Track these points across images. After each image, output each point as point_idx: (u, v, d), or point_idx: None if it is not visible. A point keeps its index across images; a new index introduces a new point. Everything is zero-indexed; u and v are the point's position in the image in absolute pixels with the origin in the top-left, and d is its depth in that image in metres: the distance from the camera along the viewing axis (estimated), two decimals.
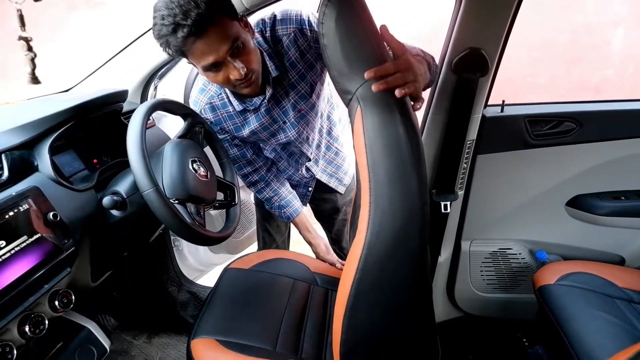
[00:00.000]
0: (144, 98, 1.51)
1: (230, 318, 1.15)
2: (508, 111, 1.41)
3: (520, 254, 1.56)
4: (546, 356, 1.33)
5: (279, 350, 1.07)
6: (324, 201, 1.61)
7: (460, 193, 1.44)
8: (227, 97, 1.19)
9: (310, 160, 1.43)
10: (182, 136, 1.16)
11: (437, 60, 1.11)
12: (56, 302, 0.91)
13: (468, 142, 1.34)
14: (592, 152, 1.42)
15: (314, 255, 1.51)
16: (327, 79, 1.25)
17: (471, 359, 1.63)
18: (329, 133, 1.43)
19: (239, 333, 1.09)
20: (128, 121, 0.96)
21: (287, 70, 1.14)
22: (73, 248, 0.92)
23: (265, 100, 1.17)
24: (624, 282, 1.28)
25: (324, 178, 1.50)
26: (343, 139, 1.49)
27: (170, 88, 1.67)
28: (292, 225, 1.62)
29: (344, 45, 0.73)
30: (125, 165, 1.17)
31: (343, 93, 0.78)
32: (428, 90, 1.23)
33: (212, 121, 1.23)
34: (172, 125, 1.54)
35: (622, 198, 1.47)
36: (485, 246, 1.57)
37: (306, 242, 1.51)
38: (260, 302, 1.22)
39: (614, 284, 1.28)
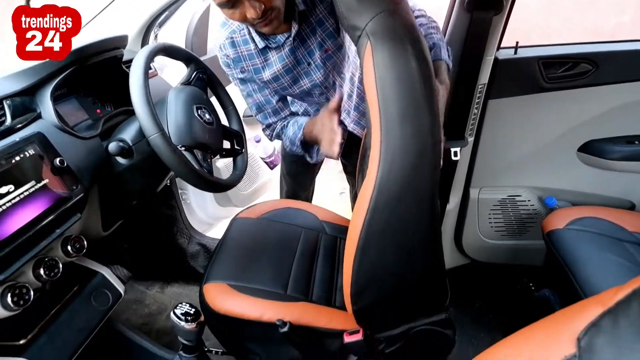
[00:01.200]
0: (144, 46, 1.46)
1: (241, 264, 1.16)
2: (522, 53, 1.36)
3: (529, 200, 1.55)
4: (553, 298, 1.35)
5: (290, 293, 1.08)
6: (355, 155, 1.53)
7: (470, 139, 1.41)
8: (249, 33, 1.11)
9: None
10: (186, 83, 1.13)
11: None
12: (69, 247, 0.93)
13: (479, 86, 1.30)
14: (608, 94, 1.37)
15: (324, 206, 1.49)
16: None
17: (478, 305, 1.66)
18: (362, 82, 1.32)
19: (250, 278, 1.11)
20: (129, 69, 0.93)
21: (314, 4, 1.05)
22: (82, 194, 0.92)
23: (290, 38, 1.09)
24: (634, 226, 1.28)
25: (357, 130, 1.37)
26: None
27: (170, 37, 1.62)
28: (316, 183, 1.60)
29: None
30: (129, 114, 1.15)
31: (352, 30, 0.74)
32: None
33: (232, 58, 1.15)
34: (175, 76, 1.50)
35: (636, 142, 1.44)
36: (494, 193, 1.56)
37: (312, 139, 1.27)
38: (269, 250, 1.23)
39: (624, 228, 1.27)
